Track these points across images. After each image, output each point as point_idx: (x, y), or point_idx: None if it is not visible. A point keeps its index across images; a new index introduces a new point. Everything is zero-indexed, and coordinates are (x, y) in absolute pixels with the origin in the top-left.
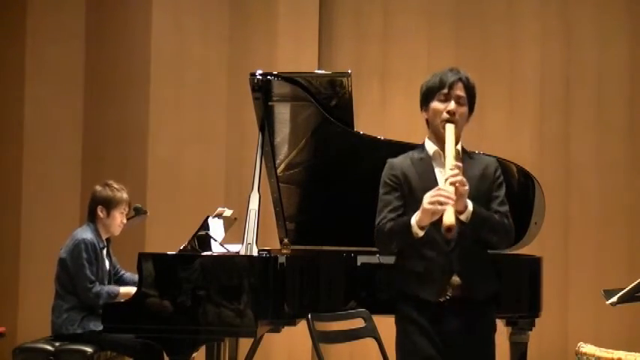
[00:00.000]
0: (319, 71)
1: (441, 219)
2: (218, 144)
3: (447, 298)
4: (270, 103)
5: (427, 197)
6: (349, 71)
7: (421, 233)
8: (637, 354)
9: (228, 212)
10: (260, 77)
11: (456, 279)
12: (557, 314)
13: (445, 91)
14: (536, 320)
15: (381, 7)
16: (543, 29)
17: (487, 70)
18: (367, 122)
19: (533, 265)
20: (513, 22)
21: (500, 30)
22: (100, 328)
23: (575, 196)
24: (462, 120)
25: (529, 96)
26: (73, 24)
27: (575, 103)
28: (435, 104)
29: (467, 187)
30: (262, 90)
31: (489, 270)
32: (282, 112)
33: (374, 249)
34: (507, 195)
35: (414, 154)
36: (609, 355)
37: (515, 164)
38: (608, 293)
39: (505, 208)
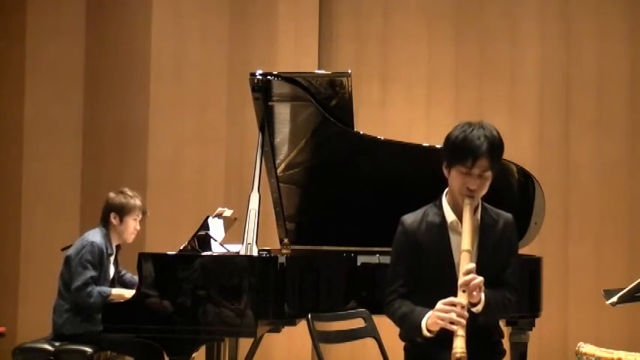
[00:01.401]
0: (319, 71)
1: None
2: (218, 144)
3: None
4: (270, 103)
5: (440, 307)
6: (349, 71)
7: (430, 335)
8: (637, 354)
9: (228, 212)
10: (260, 77)
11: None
12: (557, 314)
13: (469, 164)
14: (536, 320)
15: (381, 8)
16: (543, 29)
17: (487, 70)
18: (367, 122)
19: (533, 265)
20: (513, 22)
21: (500, 30)
22: (101, 328)
23: (575, 196)
24: (484, 190)
25: (529, 96)
26: (73, 24)
27: (575, 103)
28: (456, 175)
29: (482, 295)
30: (262, 90)
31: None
32: (282, 112)
33: (374, 249)
34: (507, 196)
35: (430, 216)
36: (609, 355)
37: (515, 164)
38: (608, 293)
39: (514, 279)
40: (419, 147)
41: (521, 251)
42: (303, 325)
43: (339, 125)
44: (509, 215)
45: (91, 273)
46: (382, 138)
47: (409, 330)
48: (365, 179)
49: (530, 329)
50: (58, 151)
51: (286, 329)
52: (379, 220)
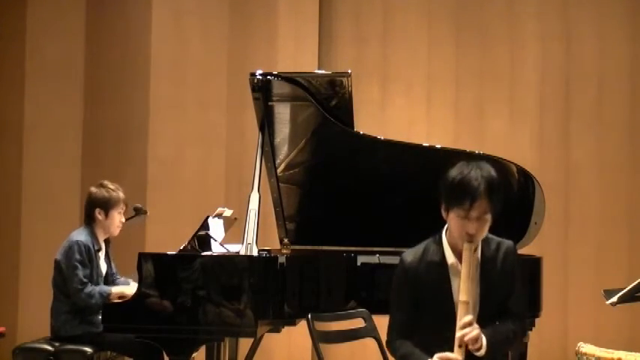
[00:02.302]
0: (319, 71)
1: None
2: (218, 144)
3: None
4: (270, 103)
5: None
6: (349, 71)
7: None
8: (637, 354)
9: (228, 212)
10: (260, 77)
11: None
12: (557, 314)
13: (466, 207)
14: (536, 320)
15: (380, 7)
16: (543, 29)
17: (487, 70)
18: (367, 122)
19: (533, 265)
20: (513, 22)
21: (500, 30)
22: (99, 329)
23: (575, 196)
24: (483, 233)
25: (529, 96)
26: (73, 23)
27: (575, 103)
28: (455, 219)
29: (482, 347)
30: (262, 90)
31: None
32: (282, 112)
33: (374, 249)
34: (507, 196)
35: (430, 255)
36: (609, 355)
37: (515, 164)
38: (608, 293)
39: (519, 305)
40: (419, 147)
41: (521, 251)
42: (303, 325)
43: (339, 125)
44: (510, 243)
45: (83, 272)
46: (382, 138)
47: None
48: (365, 179)
49: (530, 329)
50: (58, 151)
51: (286, 329)
52: (379, 220)
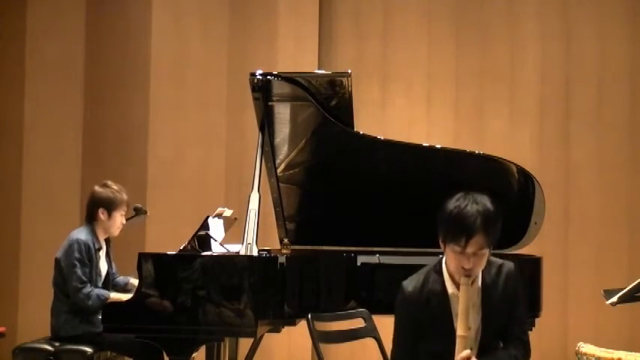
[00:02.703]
0: (319, 71)
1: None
2: (218, 144)
3: None
4: (270, 103)
5: None
6: (349, 71)
7: None
8: (637, 354)
9: (228, 212)
10: (260, 77)
11: None
12: (557, 314)
13: (462, 244)
14: (536, 320)
15: (380, 7)
16: (543, 29)
17: (487, 70)
18: (367, 122)
19: (533, 265)
20: (513, 22)
21: (500, 30)
22: (99, 330)
23: (575, 196)
24: (480, 267)
25: (529, 96)
26: (73, 24)
27: (575, 103)
28: (451, 253)
29: None
30: (262, 90)
31: None
32: (282, 112)
33: (374, 249)
34: (507, 196)
35: (431, 284)
36: (609, 355)
37: (515, 164)
38: (608, 293)
39: (521, 328)
40: (419, 147)
41: (521, 251)
42: (303, 325)
43: (339, 125)
44: (510, 266)
45: (82, 270)
46: (382, 138)
47: None
48: (365, 179)
49: (530, 329)
50: (58, 151)
51: (286, 329)
52: (379, 220)
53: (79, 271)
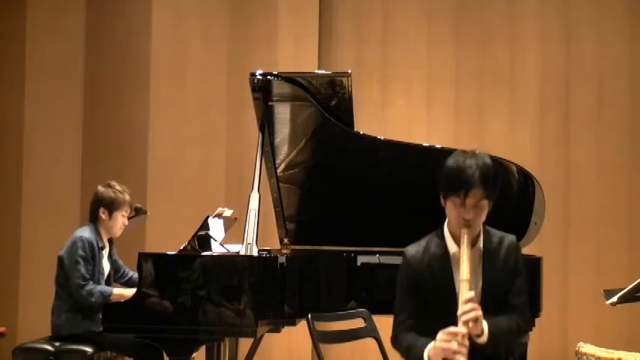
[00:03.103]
0: (319, 71)
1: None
2: (218, 144)
3: None
4: (270, 103)
5: (441, 337)
6: (349, 71)
7: None
8: (637, 354)
9: (228, 212)
10: (260, 77)
11: None
12: (557, 314)
13: (461, 195)
14: (536, 320)
15: (380, 8)
16: (543, 29)
17: (487, 70)
18: (367, 122)
19: (533, 265)
20: (513, 22)
21: (500, 30)
22: (100, 328)
23: (575, 196)
24: (481, 220)
25: (529, 96)
26: (73, 24)
27: (575, 103)
28: (451, 206)
29: (478, 314)
30: (262, 90)
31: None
32: (282, 112)
33: (374, 249)
34: (507, 196)
35: (433, 248)
36: (609, 355)
37: (515, 164)
38: (608, 293)
39: (521, 300)
40: (419, 147)
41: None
42: (303, 325)
43: (339, 125)
44: (512, 237)
45: (85, 268)
46: (382, 138)
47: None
48: (365, 179)
49: (530, 329)
50: (58, 151)
51: (286, 329)
52: (379, 220)
53: (82, 269)
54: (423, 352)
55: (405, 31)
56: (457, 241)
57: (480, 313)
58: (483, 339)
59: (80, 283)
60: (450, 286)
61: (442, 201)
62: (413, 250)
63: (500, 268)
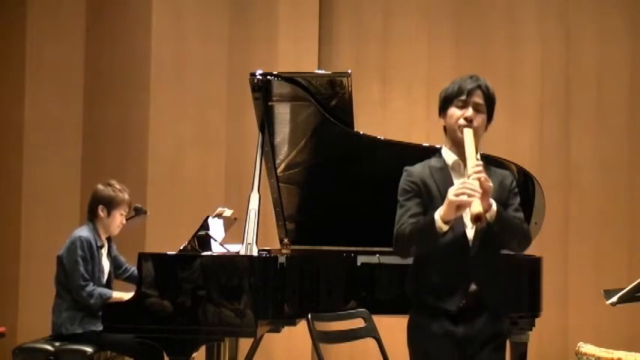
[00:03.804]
0: (319, 71)
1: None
2: (218, 144)
3: (462, 304)
4: (270, 103)
5: (452, 190)
6: (349, 71)
7: (445, 228)
8: (637, 354)
9: (228, 212)
10: (260, 77)
11: (473, 287)
12: (557, 314)
13: (463, 97)
14: (537, 320)
15: (381, 8)
16: (543, 29)
17: (487, 70)
18: (367, 122)
19: (533, 265)
20: (513, 22)
21: (500, 30)
22: (100, 328)
23: (575, 196)
24: (480, 127)
25: (529, 96)
26: (73, 24)
27: (575, 103)
28: (453, 110)
29: (491, 184)
30: (262, 90)
31: (504, 277)
32: (282, 112)
33: (374, 249)
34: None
35: (432, 163)
36: (609, 355)
37: (515, 164)
38: (608, 293)
39: (520, 215)
40: (419, 147)
41: None
42: (303, 325)
43: (339, 125)
44: (507, 171)
45: (84, 267)
46: (382, 138)
47: (423, 233)
48: (365, 179)
49: (530, 329)
50: (58, 151)
51: (286, 329)
52: (379, 220)
53: (81, 269)
54: (433, 216)
55: (405, 31)
56: (456, 151)
57: (485, 176)
58: (491, 214)
59: (81, 284)
60: None
61: (442, 120)
62: (413, 166)
63: (497, 189)
